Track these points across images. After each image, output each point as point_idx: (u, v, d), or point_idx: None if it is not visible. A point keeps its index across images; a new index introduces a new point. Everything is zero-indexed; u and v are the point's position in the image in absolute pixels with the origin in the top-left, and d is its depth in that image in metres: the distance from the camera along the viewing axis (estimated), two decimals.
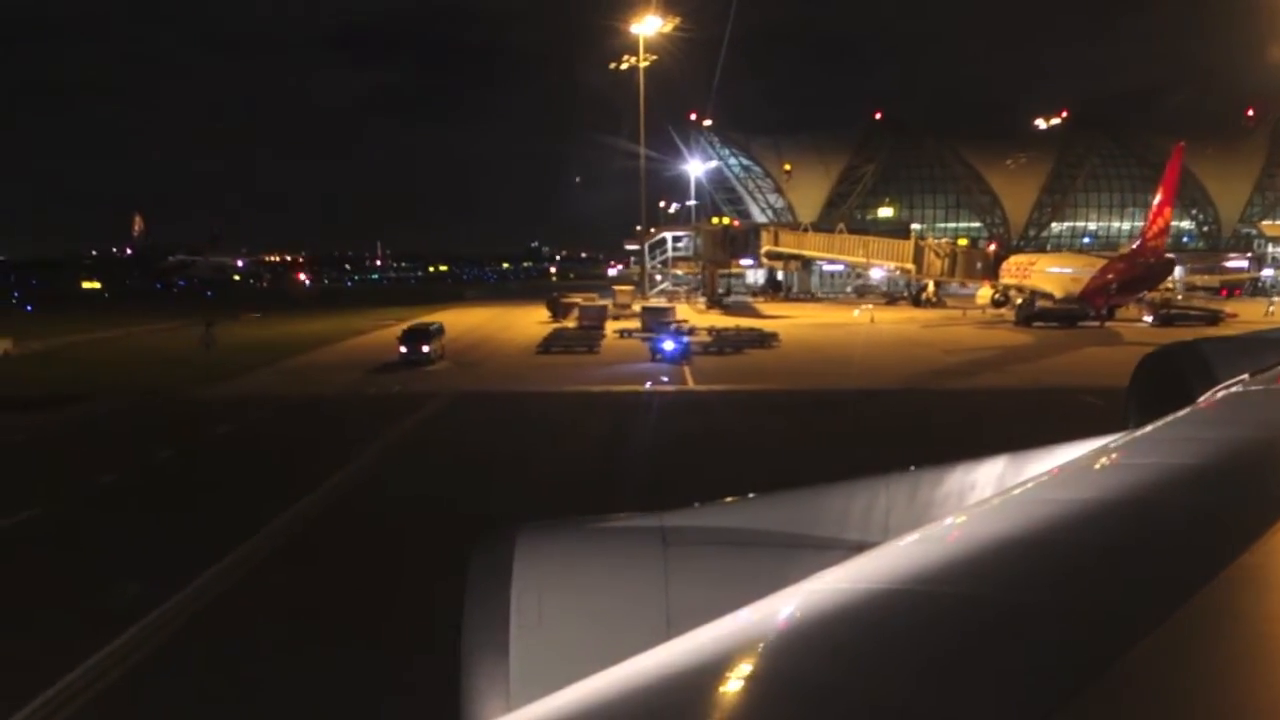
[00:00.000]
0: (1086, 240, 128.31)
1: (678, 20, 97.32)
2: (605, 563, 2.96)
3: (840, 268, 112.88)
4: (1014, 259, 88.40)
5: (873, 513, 3.17)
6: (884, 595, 1.76)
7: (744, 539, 3.02)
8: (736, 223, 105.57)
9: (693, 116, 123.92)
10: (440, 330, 52.91)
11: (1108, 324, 70.52)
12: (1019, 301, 76.88)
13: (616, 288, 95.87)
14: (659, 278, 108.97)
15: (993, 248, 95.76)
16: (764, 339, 57.57)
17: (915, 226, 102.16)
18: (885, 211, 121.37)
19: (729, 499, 3.32)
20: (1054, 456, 3.08)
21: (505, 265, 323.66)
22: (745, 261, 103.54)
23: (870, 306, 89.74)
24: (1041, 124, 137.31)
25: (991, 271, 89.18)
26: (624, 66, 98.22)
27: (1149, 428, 3.14)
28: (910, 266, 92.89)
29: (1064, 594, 1.71)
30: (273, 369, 49.69)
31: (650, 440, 30.23)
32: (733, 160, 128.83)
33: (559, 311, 76.34)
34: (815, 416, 34.01)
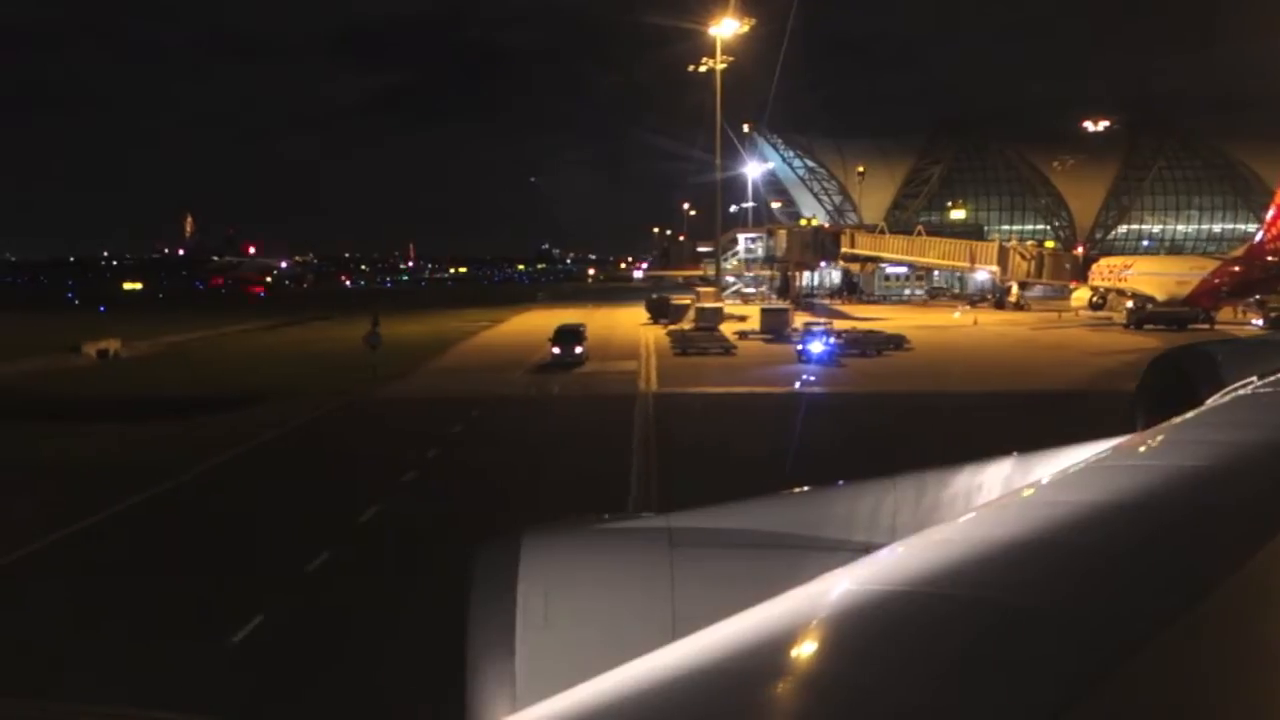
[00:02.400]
0: (1146, 244, 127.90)
1: (752, 22, 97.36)
2: (611, 564, 2.94)
3: (902, 270, 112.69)
4: (1105, 261, 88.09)
5: (880, 514, 3.15)
6: (891, 597, 1.75)
7: (750, 540, 3.00)
8: (827, 225, 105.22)
9: (744, 121, 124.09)
10: (585, 332, 52.97)
11: (1216, 326, 70.10)
12: (1128, 304, 76.28)
13: (700, 289, 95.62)
14: (731, 279, 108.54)
15: (1080, 250, 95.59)
16: (896, 341, 57.24)
17: (1000, 229, 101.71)
18: (957, 214, 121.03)
19: (734, 501, 3.26)
20: (1061, 458, 3.08)
21: (521, 267, 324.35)
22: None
23: (965, 309, 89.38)
24: (1092, 127, 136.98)
25: (1080, 274, 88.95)
26: (703, 69, 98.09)
27: (1157, 430, 3.13)
28: (995, 269, 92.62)
29: (1070, 596, 1.70)
30: (424, 371, 49.61)
31: (883, 441, 29.88)
32: (797, 163, 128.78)
33: (663, 313, 76.07)
34: (1031, 417, 33.65)
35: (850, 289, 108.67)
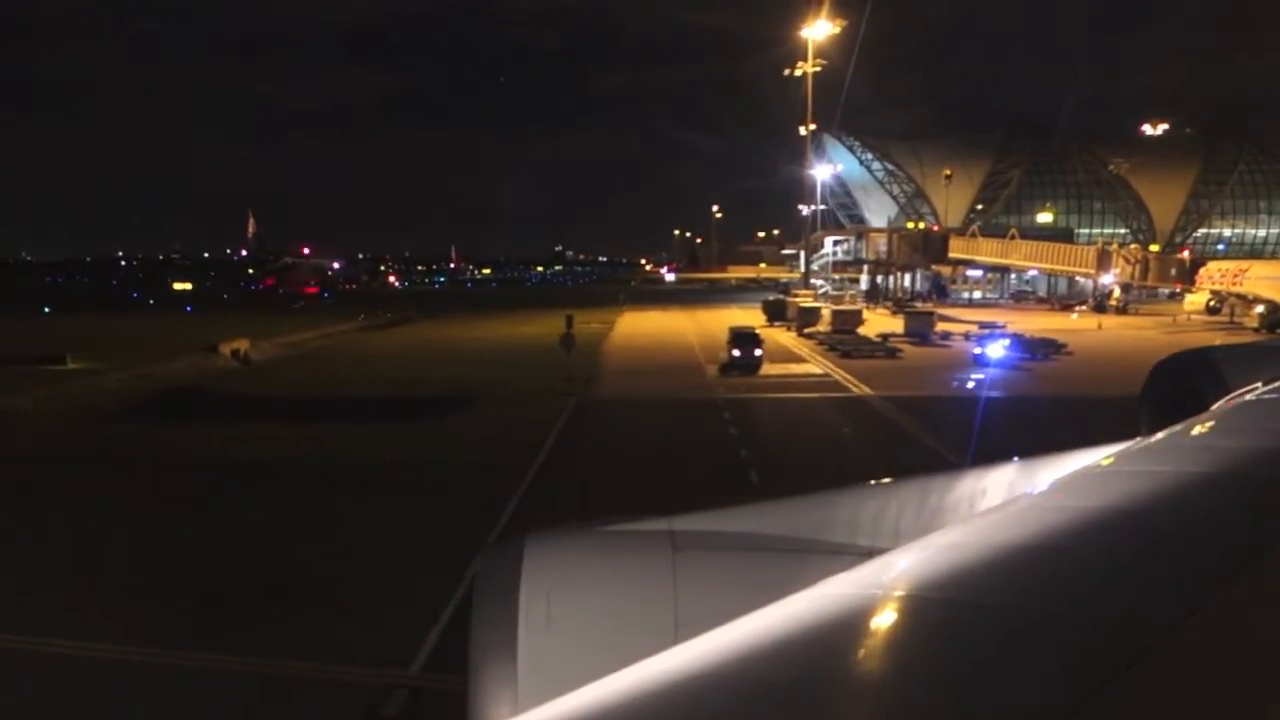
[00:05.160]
0: (1221, 247, 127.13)
1: (845, 24, 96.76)
2: (614, 566, 2.92)
3: (978, 274, 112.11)
4: (1214, 265, 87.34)
5: (883, 519, 3.13)
6: (894, 602, 1.75)
7: (754, 544, 2.99)
8: (936, 227, 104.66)
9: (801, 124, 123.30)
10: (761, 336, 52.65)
11: None
12: (1258, 309, 75.61)
13: (798, 293, 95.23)
14: (819, 282, 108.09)
15: (1186, 254, 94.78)
16: (1056, 346, 56.64)
17: (1081, 232, 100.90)
18: (1044, 217, 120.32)
19: (739, 504, 3.23)
20: (1065, 463, 3.05)
21: (540, 269, 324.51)
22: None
23: (1081, 311, 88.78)
24: (1167, 130, 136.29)
25: (1187, 278, 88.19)
26: (797, 73, 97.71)
27: (1161, 435, 3.12)
28: (1093, 272, 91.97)
29: (1074, 602, 1.69)
30: (609, 372, 49.24)
31: None
32: (876, 165, 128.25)
33: (780, 315, 75.66)
34: None
35: (941, 293, 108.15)
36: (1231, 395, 3.86)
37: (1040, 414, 34.73)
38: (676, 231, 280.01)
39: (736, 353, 48.51)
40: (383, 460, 28.04)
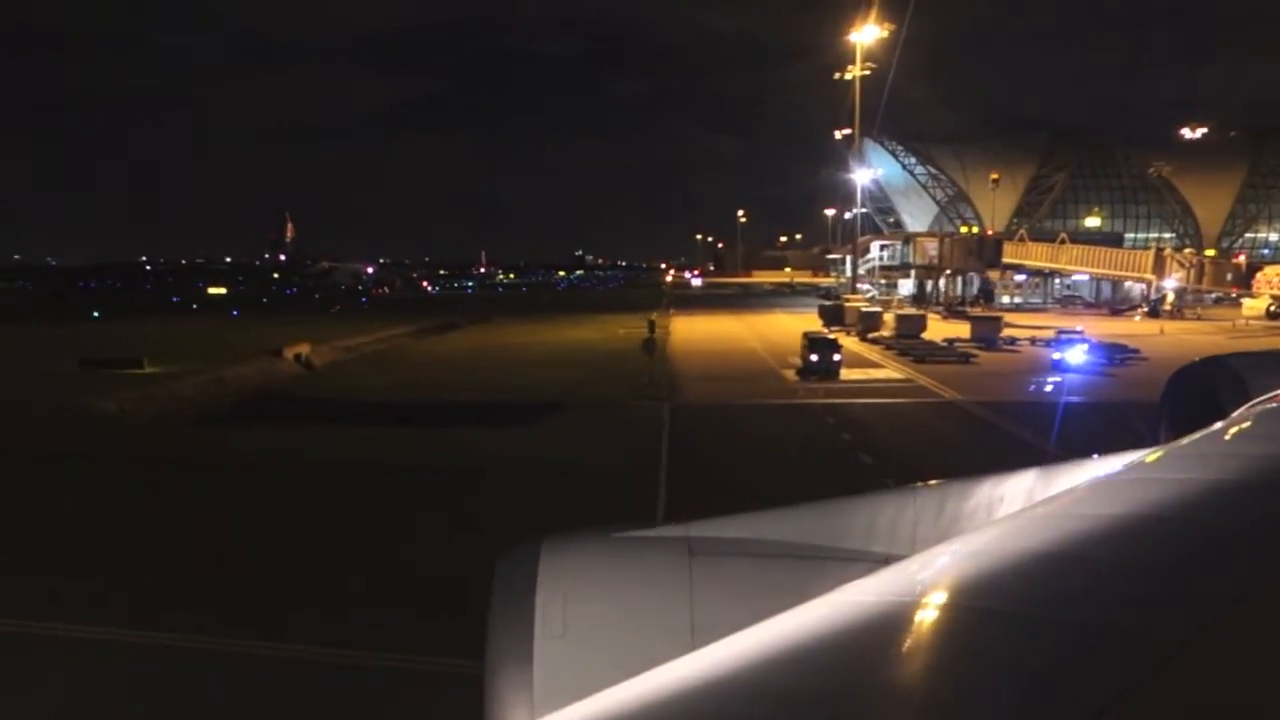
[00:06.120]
0: (1266, 251, 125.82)
1: (893, 28, 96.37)
2: (630, 572, 2.91)
3: (1021, 278, 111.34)
4: (1272, 270, 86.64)
5: (899, 525, 3.10)
6: (910, 608, 1.75)
7: (769, 550, 2.97)
8: (990, 231, 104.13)
9: (856, 129, 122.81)
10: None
11: None
12: None
13: (848, 297, 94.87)
14: (865, 287, 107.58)
15: (1242, 259, 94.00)
16: (1129, 351, 56.07)
17: (1158, 238, 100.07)
18: (1092, 221, 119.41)
19: (754, 510, 3.19)
20: (1084, 471, 3.02)
21: (561, 273, 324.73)
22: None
23: (1142, 315, 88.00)
24: (1210, 135, 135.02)
25: (1244, 282, 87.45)
26: (847, 77, 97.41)
27: (1181, 443, 3.10)
28: (1150, 277, 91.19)
29: (1093, 610, 1.69)
30: (687, 378, 49.15)
31: None
32: (919, 169, 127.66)
33: (838, 319, 75.23)
34: None
35: (987, 297, 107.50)
36: (1253, 403, 3.81)
37: (1145, 417, 34.27)
38: (699, 236, 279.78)
39: (814, 358, 48.20)
40: (522, 463, 27.72)
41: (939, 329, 69.54)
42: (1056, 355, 50.57)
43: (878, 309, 75.94)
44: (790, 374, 48.43)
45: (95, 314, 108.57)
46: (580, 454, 28.83)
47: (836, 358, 48.23)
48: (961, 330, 66.83)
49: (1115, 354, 53.69)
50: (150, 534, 21.30)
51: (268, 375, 56.93)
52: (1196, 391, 4.82)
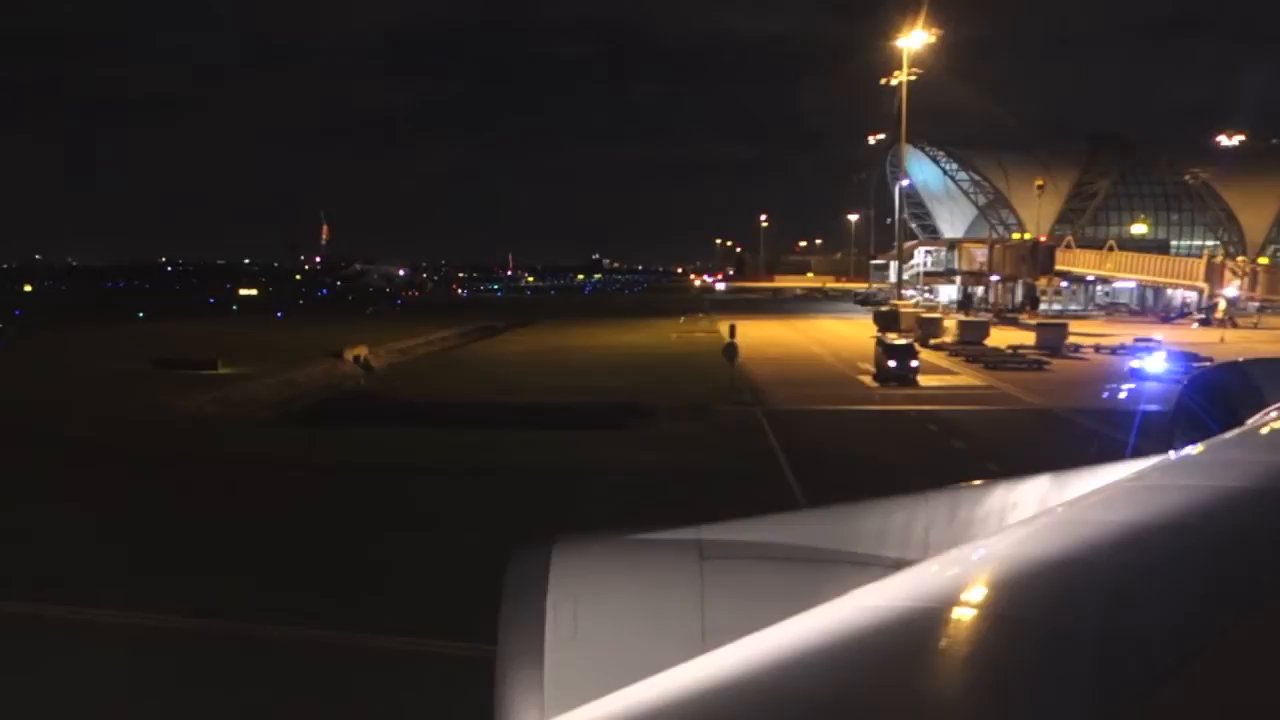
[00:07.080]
0: None
1: (940, 33, 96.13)
2: (641, 575, 2.89)
3: (1065, 284, 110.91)
4: None
5: (912, 530, 3.07)
6: (923, 614, 1.74)
7: (781, 554, 2.95)
8: (1043, 238, 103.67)
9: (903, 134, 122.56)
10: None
11: None
12: None
13: (897, 303, 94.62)
14: (910, 292, 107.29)
15: None
16: (1200, 359, 55.54)
17: (1201, 245, 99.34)
18: (1138, 228, 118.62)
19: (766, 514, 3.17)
20: (1098, 476, 2.95)
21: (580, 276, 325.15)
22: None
23: (1200, 321, 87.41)
24: (1248, 141, 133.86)
25: None
26: (893, 82, 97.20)
27: (1195, 449, 3.08)
28: (1203, 285, 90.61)
29: (1106, 617, 1.68)
30: (763, 383, 49.00)
31: None
32: (961, 175, 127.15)
33: (892, 325, 74.89)
34: None
35: (1032, 304, 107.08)
36: (1268, 409, 3.74)
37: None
38: (718, 240, 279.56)
39: (892, 363, 47.93)
40: (632, 467, 27.09)
41: (995, 335, 69.20)
42: (1134, 363, 50.11)
43: (938, 315, 75.57)
44: (867, 379, 48.23)
45: (140, 314, 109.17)
46: (699, 459, 28.60)
47: (915, 364, 47.92)
48: (1016, 337, 66.47)
49: (1192, 362, 53.21)
50: (344, 536, 21.14)
51: (331, 377, 57.27)
52: (1211, 398, 4.71)
